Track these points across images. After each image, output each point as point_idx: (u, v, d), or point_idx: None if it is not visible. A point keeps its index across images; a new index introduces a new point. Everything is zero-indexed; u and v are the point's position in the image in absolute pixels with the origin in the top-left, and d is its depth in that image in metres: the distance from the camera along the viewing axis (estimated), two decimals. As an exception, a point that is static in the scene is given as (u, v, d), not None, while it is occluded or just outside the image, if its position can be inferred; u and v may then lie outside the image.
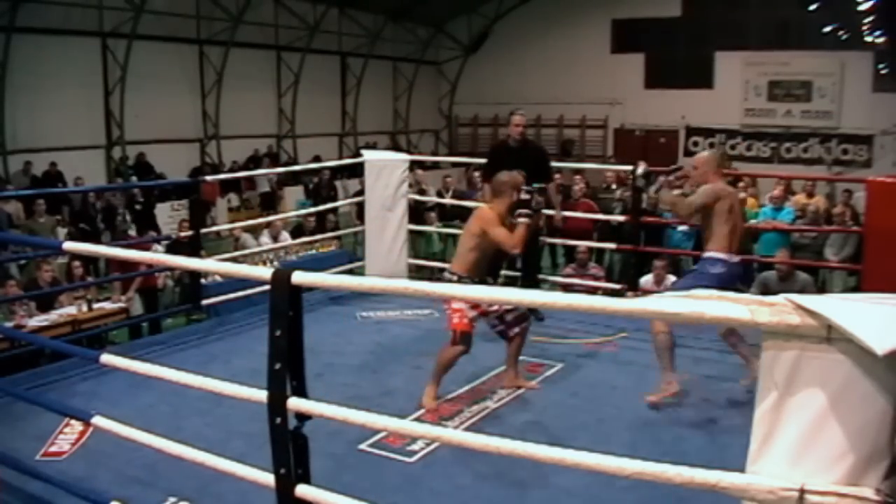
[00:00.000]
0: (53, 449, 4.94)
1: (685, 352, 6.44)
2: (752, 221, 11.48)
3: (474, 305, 5.49)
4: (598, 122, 28.02)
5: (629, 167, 8.42)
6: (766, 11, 24.00)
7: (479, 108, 29.32)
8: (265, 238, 11.78)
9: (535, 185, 6.02)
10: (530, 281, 7.61)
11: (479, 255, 5.62)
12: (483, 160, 8.19)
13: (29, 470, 4.34)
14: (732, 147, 25.35)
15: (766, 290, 8.15)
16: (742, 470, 2.09)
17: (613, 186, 13.47)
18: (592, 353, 6.65)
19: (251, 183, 22.24)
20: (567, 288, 9.01)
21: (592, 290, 9.07)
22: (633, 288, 8.21)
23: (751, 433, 2.08)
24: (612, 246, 9.69)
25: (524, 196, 5.69)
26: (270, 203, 21.79)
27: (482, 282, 5.72)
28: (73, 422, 5.13)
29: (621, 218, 9.71)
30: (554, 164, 8.49)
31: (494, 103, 26.57)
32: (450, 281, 5.60)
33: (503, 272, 8.17)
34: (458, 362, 5.61)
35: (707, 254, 5.53)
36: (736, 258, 5.53)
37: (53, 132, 18.77)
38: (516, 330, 5.74)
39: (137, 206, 16.71)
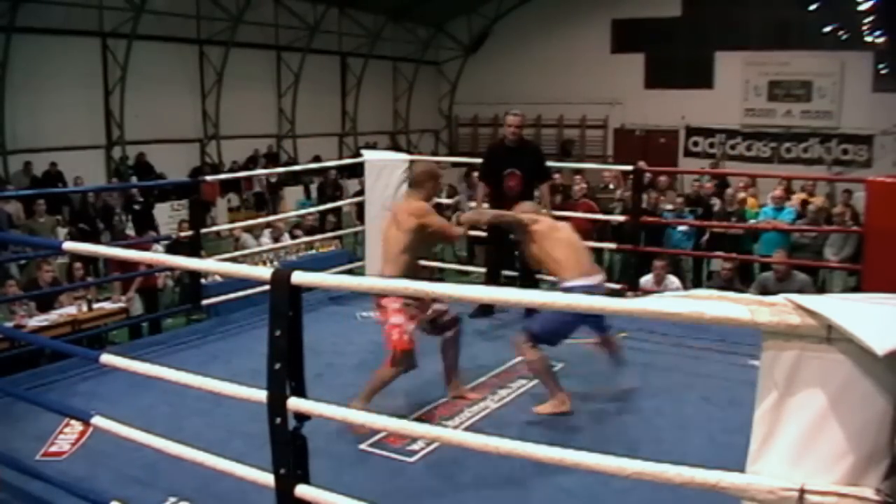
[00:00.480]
0: (53, 449, 4.94)
1: (685, 351, 6.46)
2: (753, 221, 11.49)
3: (412, 317, 5.20)
4: (598, 122, 28.03)
5: (629, 167, 8.45)
6: (766, 11, 24.00)
7: (479, 108, 29.34)
8: (265, 238, 11.79)
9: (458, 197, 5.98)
10: (529, 281, 7.60)
11: (413, 256, 5.31)
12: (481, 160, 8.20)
13: (29, 470, 4.34)
14: (732, 147, 25.38)
15: (765, 291, 8.15)
16: (742, 470, 2.09)
17: (612, 186, 13.48)
18: (592, 352, 6.64)
19: (251, 183, 22.26)
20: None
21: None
22: (633, 288, 8.21)
23: (751, 433, 2.08)
24: (612, 246, 9.69)
25: (454, 200, 5.62)
26: (263, 203, 21.80)
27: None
28: (73, 422, 5.12)
29: (621, 218, 9.71)
30: (553, 164, 8.51)
31: (494, 103, 26.56)
32: None
33: (503, 272, 8.18)
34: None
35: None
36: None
37: (53, 132, 18.78)
38: (449, 334, 5.54)
39: (136, 207, 16.70)
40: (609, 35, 27.43)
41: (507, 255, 8.06)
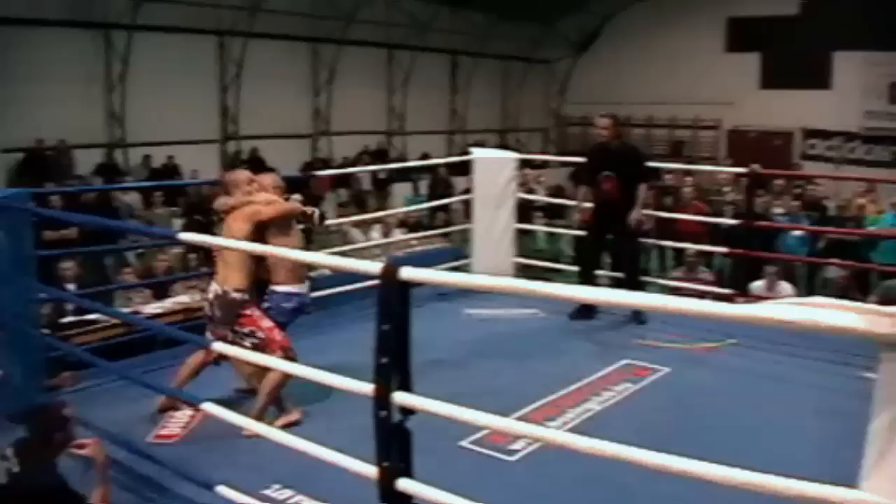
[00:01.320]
0: (164, 432, 5.12)
1: (796, 360, 6.28)
2: (872, 228, 11.11)
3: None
4: (711, 122, 27.42)
5: (742, 169, 8.27)
6: (888, 11, 23.04)
7: (588, 107, 28.80)
8: (374, 233, 11.92)
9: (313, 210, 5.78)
10: (632, 283, 7.50)
11: (253, 261, 5.11)
12: None
13: (141, 451, 4.50)
14: (851, 150, 24.51)
15: (887, 300, 7.86)
16: (853, 485, 2.02)
17: (726, 189, 13.19)
18: (700, 358, 6.53)
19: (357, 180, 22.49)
20: (676, 291, 8.86)
21: (701, 295, 8.89)
22: (744, 293, 8.02)
23: (863, 447, 2.02)
24: (722, 250, 9.47)
25: (309, 211, 5.48)
26: (363, 201, 22.01)
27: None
28: (183, 406, 5.29)
29: (733, 221, 9.50)
30: (664, 165, 8.38)
31: (605, 103, 26.09)
32: (241, 301, 5.05)
33: (605, 273, 8.11)
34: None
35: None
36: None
37: (171, 127, 19.37)
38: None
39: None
40: (723, 33, 26.72)
41: (614, 256, 8.02)
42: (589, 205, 7.84)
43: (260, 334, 5.04)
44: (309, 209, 5.72)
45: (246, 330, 5.05)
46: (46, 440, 3.87)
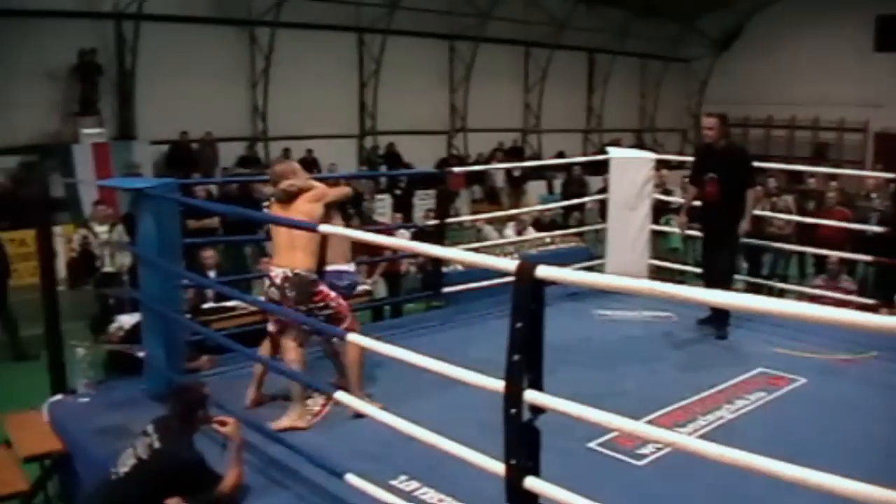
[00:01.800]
0: (297, 418, 5.22)
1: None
2: None
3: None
4: (857, 125, 26.33)
5: (891, 174, 7.92)
6: None
7: (728, 107, 28.05)
8: (508, 231, 11.93)
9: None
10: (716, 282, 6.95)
11: (318, 243, 5.32)
12: None
13: (273, 436, 4.61)
14: None
15: None
16: None
17: (873, 195, 12.65)
18: (839, 370, 6.27)
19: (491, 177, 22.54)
20: (815, 300, 8.54)
21: (843, 304, 8.54)
22: (888, 304, 7.66)
23: None
24: (866, 258, 9.07)
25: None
26: (496, 197, 22.01)
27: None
28: (315, 394, 5.40)
29: (878, 228, 9.10)
30: (806, 168, 8.08)
31: (746, 103, 25.60)
32: (313, 280, 5.25)
33: (740, 277, 7.88)
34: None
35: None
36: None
37: (310, 121, 19.87)
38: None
39: (398, 192, 17.42)
40: (872, 32, 25.56)
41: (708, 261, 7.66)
42: (695, 204, 7.65)
43: (332, 304, 5.30)
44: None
45: (320, 304, 5.27)
46: (188, 417, 4.04)
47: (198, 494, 3.99)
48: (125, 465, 3.93)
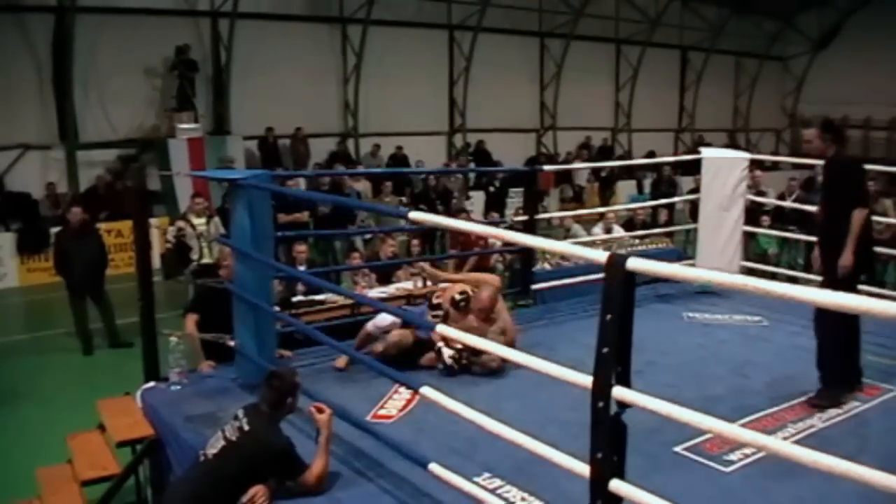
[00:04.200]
0: (383, 412, 5.27)
1: None
2: None
3: None
4: (964, 126, 25.43)
5: None
6: None
7: (826, 107, 27.44)
8: (596, 230, 11.84)
9: None
10: (825, 359, 5.74)
11: None
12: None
13: (361, 427, 4.65)
14: None
15: None
16: None
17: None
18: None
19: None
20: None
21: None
22: None
23: None
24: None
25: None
26: (579, 197, 21.85)
27: None
28: (401, 389, 5.43)
29: None
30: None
31: (844, 103, 24.89)
32: None
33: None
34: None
35: None
36: None
37: (400, 118, 20.02)
38: None
39: (492, 189, 17.47)
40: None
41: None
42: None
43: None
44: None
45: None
46: (277, 403, 4.11)
47: (284, 479, 4.06)
48: (214, 447, 4.01)
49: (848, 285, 5.33)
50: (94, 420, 5.83)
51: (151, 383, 5.87)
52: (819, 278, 6.10)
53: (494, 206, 16.59)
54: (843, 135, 5.96)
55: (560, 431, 3.92)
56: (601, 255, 2.90)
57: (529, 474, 4.08)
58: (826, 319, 5.49)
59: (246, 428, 4.01)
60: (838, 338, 5.54)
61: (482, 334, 5.25)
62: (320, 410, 4.29)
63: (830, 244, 5.64)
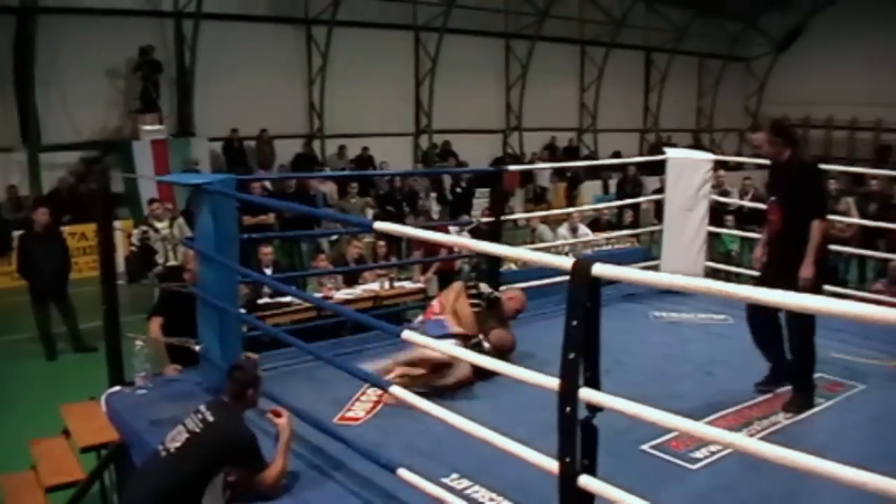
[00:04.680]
0: (350, 414, 5.26)
1: None
2: None
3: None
4: (920, 126, 25.77)
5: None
6: None
7: (788, 107, 27.81)
8: (563, 230, 11.89)
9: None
10: (794, 370, 5.68)
11: None
12: None
13: (327, 430, 4.63)
14: None
15: None
16: None
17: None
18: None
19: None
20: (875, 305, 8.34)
21: (905, 308, 8.34)
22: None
23: None
24: (931, 262, 8.86)
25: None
26: (542, 198, 21.92)
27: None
28: (368, 391, 5.43)
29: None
30: (868, 171, 7.78)
31: (806, 103, 25.20)
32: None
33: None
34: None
35: None
36: None
37: (366, 119, 19.99)
38: None
39: (458, 190, 17.48)
40: (936, 32, 24.98)
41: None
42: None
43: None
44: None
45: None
46: (239, 395, 4.12)
47: (245, 470, 4.06)
48: (176, 440, 3.98)
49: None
50: (59, 426, 5.77)
51: (116, 388, 5.81)
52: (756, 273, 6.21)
53: (462, 207, 16.63)
54: (795, 136, 5.85)
55: (529, 431, 3.93)
56: (566, 262, 2.90)
57: (497, 474, 4.10)
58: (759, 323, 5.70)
59: (210, 419, 4.00)
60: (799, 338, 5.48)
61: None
62: (278, 415, 4.29)
63: (789, 254, 5.43)
